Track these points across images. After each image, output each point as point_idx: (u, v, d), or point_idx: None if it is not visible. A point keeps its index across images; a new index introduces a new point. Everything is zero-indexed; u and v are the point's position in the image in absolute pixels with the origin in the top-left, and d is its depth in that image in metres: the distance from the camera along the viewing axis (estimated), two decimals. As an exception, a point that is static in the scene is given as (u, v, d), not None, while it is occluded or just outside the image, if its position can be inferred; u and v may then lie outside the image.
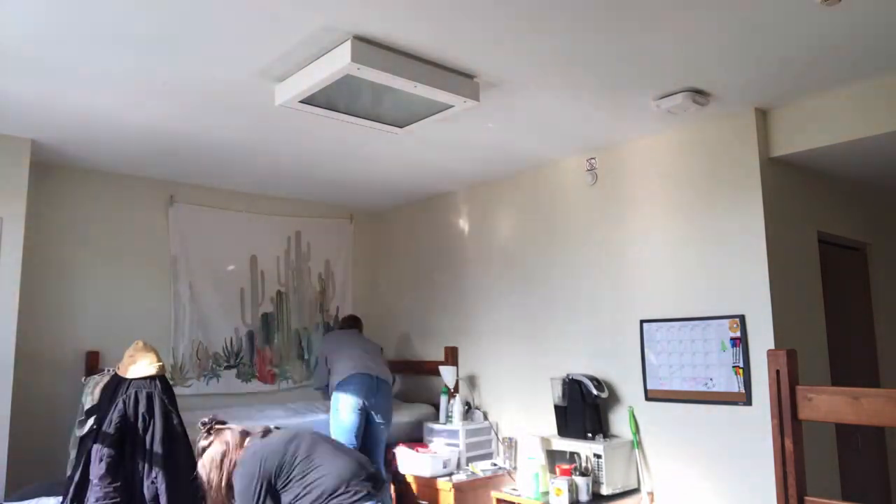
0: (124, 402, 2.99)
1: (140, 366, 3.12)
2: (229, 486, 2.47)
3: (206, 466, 2.52)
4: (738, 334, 3.21)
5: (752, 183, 3.24)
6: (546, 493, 3.47)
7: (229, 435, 2.57)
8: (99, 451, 2.89)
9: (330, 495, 2.39)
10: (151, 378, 3.11)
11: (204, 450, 2.56)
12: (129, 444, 2.95)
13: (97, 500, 2.82)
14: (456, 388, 4.43)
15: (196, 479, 2.55)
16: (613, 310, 3.76)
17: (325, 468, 2.46)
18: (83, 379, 3.71)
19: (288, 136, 3.61)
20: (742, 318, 3.20)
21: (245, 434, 2.59)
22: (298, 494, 2.41)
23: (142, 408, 3.00)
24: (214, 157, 3.97)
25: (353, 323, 4.66)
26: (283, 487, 2.44)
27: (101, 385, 3.20)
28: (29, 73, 2.76)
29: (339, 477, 2.44)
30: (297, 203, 5.12)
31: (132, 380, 3.08)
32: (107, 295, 4.15)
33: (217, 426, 2.62)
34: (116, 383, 3.11)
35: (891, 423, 1.43)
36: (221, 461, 2.51)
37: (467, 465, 4.03)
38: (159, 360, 3.19)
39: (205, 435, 2.60)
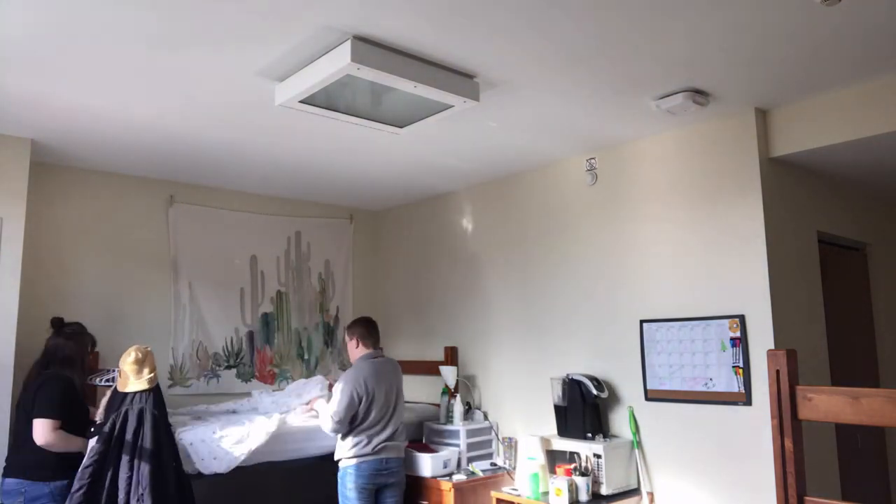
0: (113, 421, 3.05)
1: (134, 381, 3.17)
2: None
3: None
4: (738, 334, 3.21)
5: (752, 183, 3.24)
6: (546, 493, 3.47)
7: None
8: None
9: None
10: (144, 392, 3.15)
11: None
12: (111, 461, 2.99)
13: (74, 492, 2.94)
14: (456, 388, 4.43)
15: None
16: (613, 310, 3.76)
17: None
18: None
19: (288, 135, 3.61)
20: (742, 319, 3.20)
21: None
22: None
23: (131, 426, 3.06)
24: (214, 157, 3.97)
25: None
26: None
27: (104, 402, 3.25)
28: (29, 73, 2.76)
29: None
30: (297, 203, 5.12)
31: (126, 394, 3.14)
32: (107, 295, 4.15)
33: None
34: (120, 399, 3.17)
35: (891, 423, 1.43)
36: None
37: (467, 465, 4.03)
38: (151, 371, 3.21)
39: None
